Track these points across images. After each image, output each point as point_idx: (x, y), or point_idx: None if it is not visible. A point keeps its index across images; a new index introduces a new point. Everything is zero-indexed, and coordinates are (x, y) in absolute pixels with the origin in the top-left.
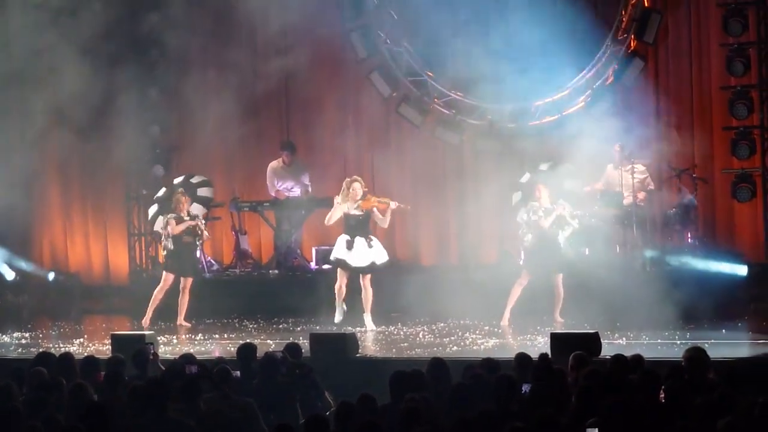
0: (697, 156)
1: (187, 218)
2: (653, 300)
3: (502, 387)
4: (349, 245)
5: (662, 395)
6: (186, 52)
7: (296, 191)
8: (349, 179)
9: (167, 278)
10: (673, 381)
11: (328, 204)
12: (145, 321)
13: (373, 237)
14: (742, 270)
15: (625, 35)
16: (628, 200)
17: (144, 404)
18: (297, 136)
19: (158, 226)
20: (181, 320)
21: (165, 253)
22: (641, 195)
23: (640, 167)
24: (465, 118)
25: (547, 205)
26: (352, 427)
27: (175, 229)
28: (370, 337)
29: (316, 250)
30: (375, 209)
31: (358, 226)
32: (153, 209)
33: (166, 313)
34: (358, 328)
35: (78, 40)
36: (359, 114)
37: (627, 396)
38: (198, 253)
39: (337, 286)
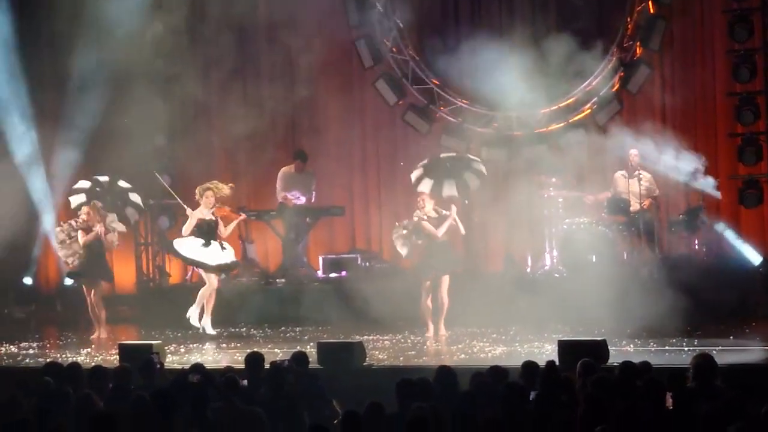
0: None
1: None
2: (661, 306)
3: (510, 395)
4: (206, 245)
5: (669, 402)
6: (194, 60)
7: (302, 200)
8: (201, 187)
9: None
10: (680, 388)
11: (334, 212)
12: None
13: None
14: (757, 258)
15: (631, 42)
16: (634, 207)
17: (150, 414)
18: (303, 144)
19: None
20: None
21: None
22: (647, 202)
23: (646, 174)
24: (471, 126)
25: (432, 214)
26: None
27: (85, 239)
28: (378, 345)
29: (323, 258)
30: (220, 219)
31: (210, 231)
32: (78, 199)
33: (175, 322)
34: (365, 336)
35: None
36: (365, 122)
37: (634, 403)
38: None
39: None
